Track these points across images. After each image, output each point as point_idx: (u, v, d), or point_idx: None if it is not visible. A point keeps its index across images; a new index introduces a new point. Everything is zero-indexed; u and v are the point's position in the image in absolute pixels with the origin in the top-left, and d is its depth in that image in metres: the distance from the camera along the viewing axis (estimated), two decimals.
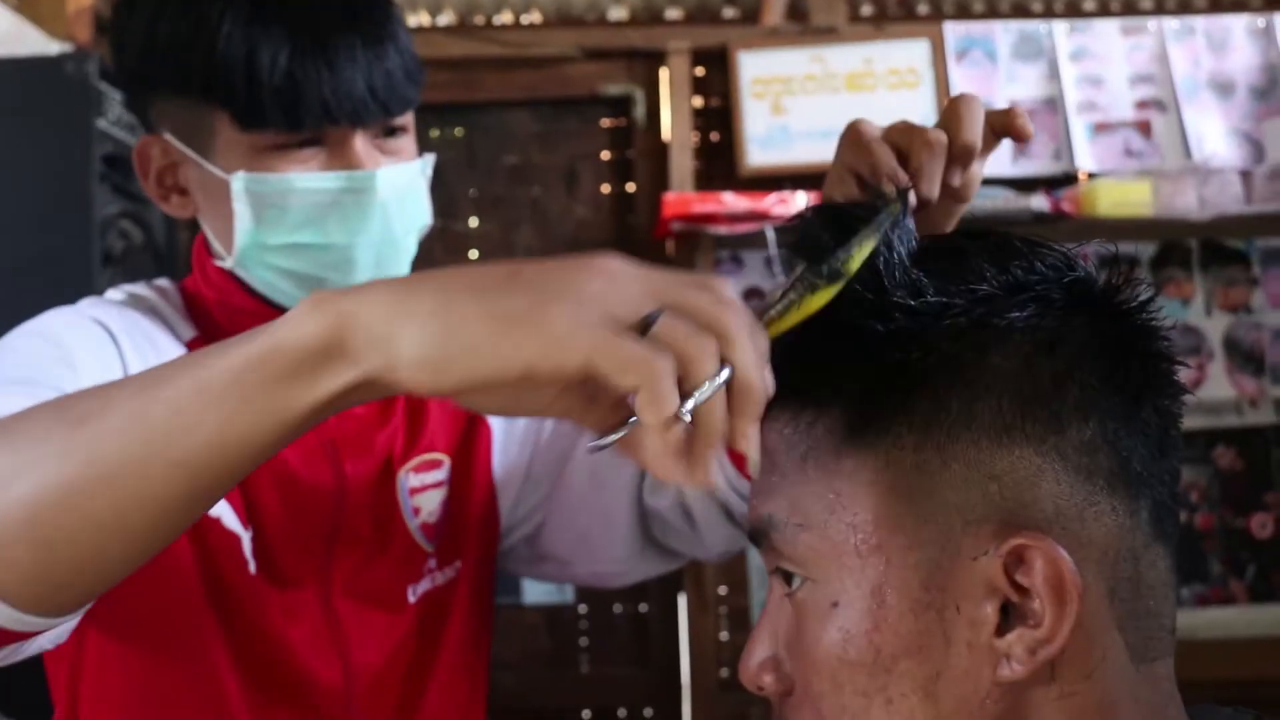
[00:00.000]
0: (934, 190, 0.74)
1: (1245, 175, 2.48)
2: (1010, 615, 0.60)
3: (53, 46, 2.07)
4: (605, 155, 2.72)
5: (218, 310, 1.00)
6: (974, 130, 0.75)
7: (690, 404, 0.53)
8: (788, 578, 0.65)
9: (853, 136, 0.75)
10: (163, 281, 1.05)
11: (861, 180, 0.72)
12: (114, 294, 1.01)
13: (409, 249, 0.99)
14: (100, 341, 0.93)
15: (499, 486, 1.11)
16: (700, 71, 2.66)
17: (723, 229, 2.35)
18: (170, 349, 0.98)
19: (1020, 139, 0.78)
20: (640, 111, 2.68)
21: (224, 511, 0.94)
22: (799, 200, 2.47)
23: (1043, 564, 0.58)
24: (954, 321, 0.60)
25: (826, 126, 2.57)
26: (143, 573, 0.88)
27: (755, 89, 2.60)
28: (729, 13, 2.87)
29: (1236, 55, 2.64)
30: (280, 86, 0.89)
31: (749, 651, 0.67)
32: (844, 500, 0.62)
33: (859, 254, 0.62)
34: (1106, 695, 0.60)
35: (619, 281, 0.55)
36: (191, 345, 0.98)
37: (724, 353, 0.54)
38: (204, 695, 0.94)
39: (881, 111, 2.59)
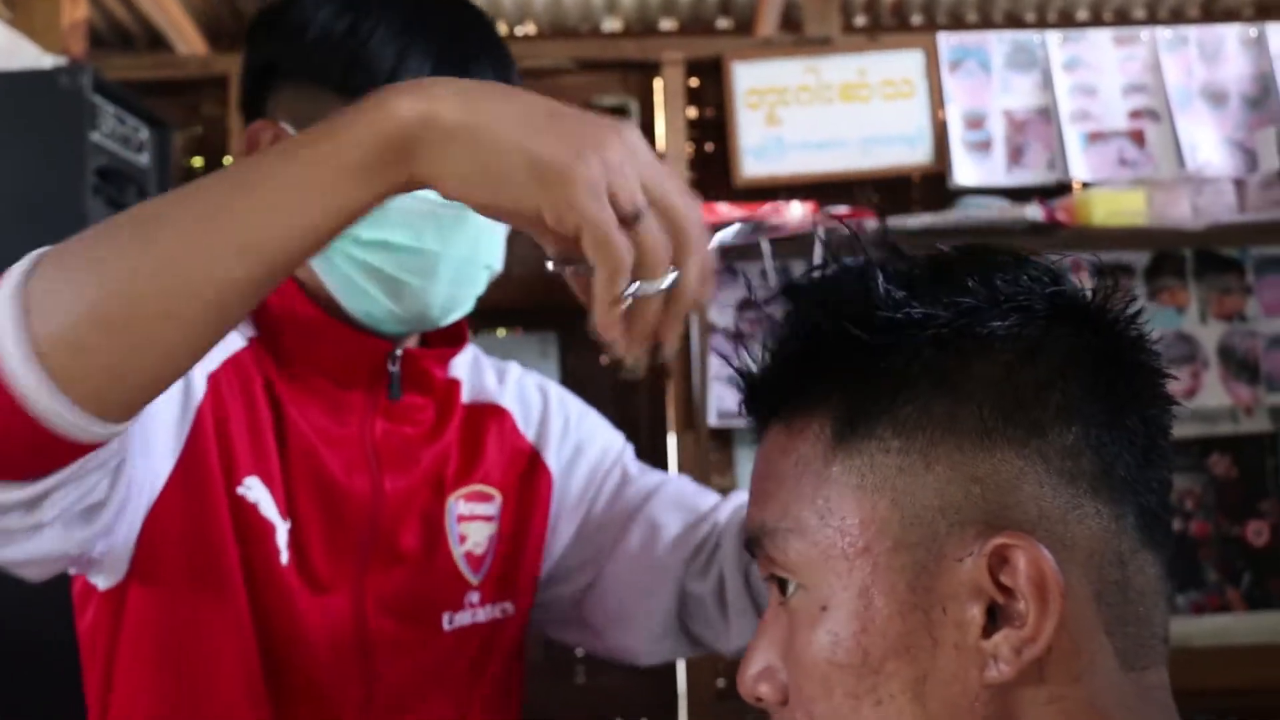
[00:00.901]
0: None
1: (1239, 184, 2.49)
2: (996, 617, 0.60)
3: (46, 60, 2.07)
4: None
5: (278, 312, 1.02)
6: None
7: (633, 289, 0.67)
8: (782, 586, 0.66)
9: None
10: None
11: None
12: None
13: (480, 283, 1.03)
14: None
15: (547, 536, 1.14)
16: (694, 82, 2.67)
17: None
18: (235, 340, 1.00)
19: None
20: (634, 123, 2.68)
21: (262, 497, 0.96)
22: (794, 210, 2.47)
23: (1025, 563, 0.59)
24: (938, 331, 0.62)
25: (821, 137, 2.58)
26: (185, 539, 0.93)
27: (750, 100, 2.60)
28: (723, 23, 2.87)
29: (1229, 65, 2.65)
30: None
31: (746, 662, 0.67)
32: (832, 505, 0.63)
33: None
34: (1095, 699, 0.61)
35: (635, 158, 0.67)
36: (251, 343, 1.00)
37: (678, 259, 0.68)
38: (234, 671, 0.95)
39: (876, 122, 2.60)
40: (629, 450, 1.20)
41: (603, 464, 1.16)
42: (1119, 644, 0.62)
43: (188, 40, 2.70)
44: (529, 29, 2.85)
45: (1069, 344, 0.63)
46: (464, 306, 1.03)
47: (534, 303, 2.61)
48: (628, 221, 0.66)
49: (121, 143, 1.97)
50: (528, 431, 1.14)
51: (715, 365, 2.41)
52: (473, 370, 1.14)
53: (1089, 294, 0.65)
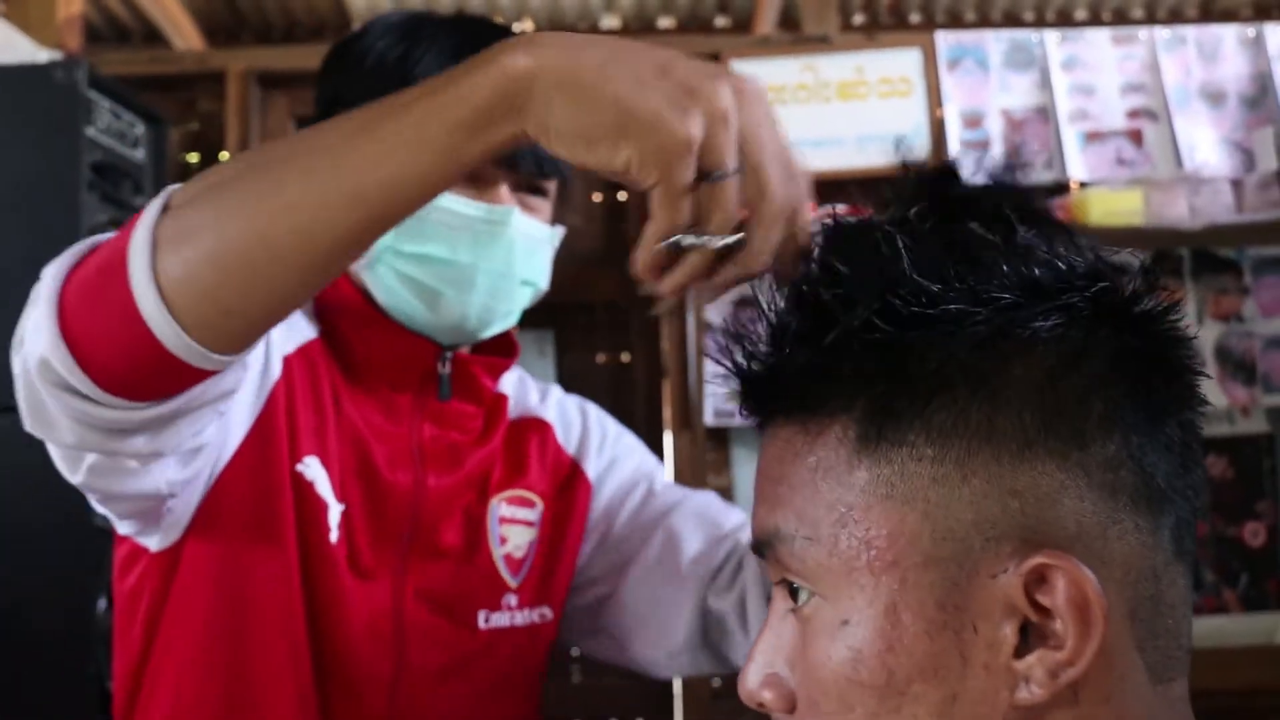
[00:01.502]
0: None
1: (1236, 184, 2.49)
2: (1029, 636, 0.58)
3: (42, 54, 2.06)
4: None
5: (340, 315, 1.08)
6: None
7: (675, 240, 0.67)
8: (793, 592, 0.63)
9: None
10: None
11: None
12: None
13: (522, 298, 1.07)
14: None
15: (583, 544, 1.17)
16: None
17: None
18: (307, 330, 1.06)
19: None
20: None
21: (319, 477, 1.01)
22: None
23: (1066, 584, 0.56)
24: (975, 330, 0.58)
25: (818, 135, 2.58)
26: (248, 507, 0.98)
27: None
28: (721, 21, 2.87)
29: (1227, 65, 2.65)
30: None
31: (748, 667, 0.65)
32: (855, 514, 0.60)
33: None
34: (1125, 717, 0.59)
35: (745, 111, 0.67)
36: (321, 336, 1.06)
37: (750, 229, 0.67)
38: (279, 639, 0.99)
39: (873, 121, 2.59)
40: (661, 471, 1.23)
41: (633, 480, 1.20)
42: (1149, 659, 0.60)
43: (184, 35, 2.69)
44: (526, 26, 2.84)
45: (1112, 346, 0.60)
46: (503, 320, 1.07)
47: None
48: (707, 176, 0.66)
49: (117, 138, 1.96)
50: (568, 445, 1.19)
51: (712, 365, 2.41)
52: (518, 388, 1.19)
53: (1131, 291, 0.61)
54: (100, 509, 0.94)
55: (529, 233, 1.04)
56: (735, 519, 1.17)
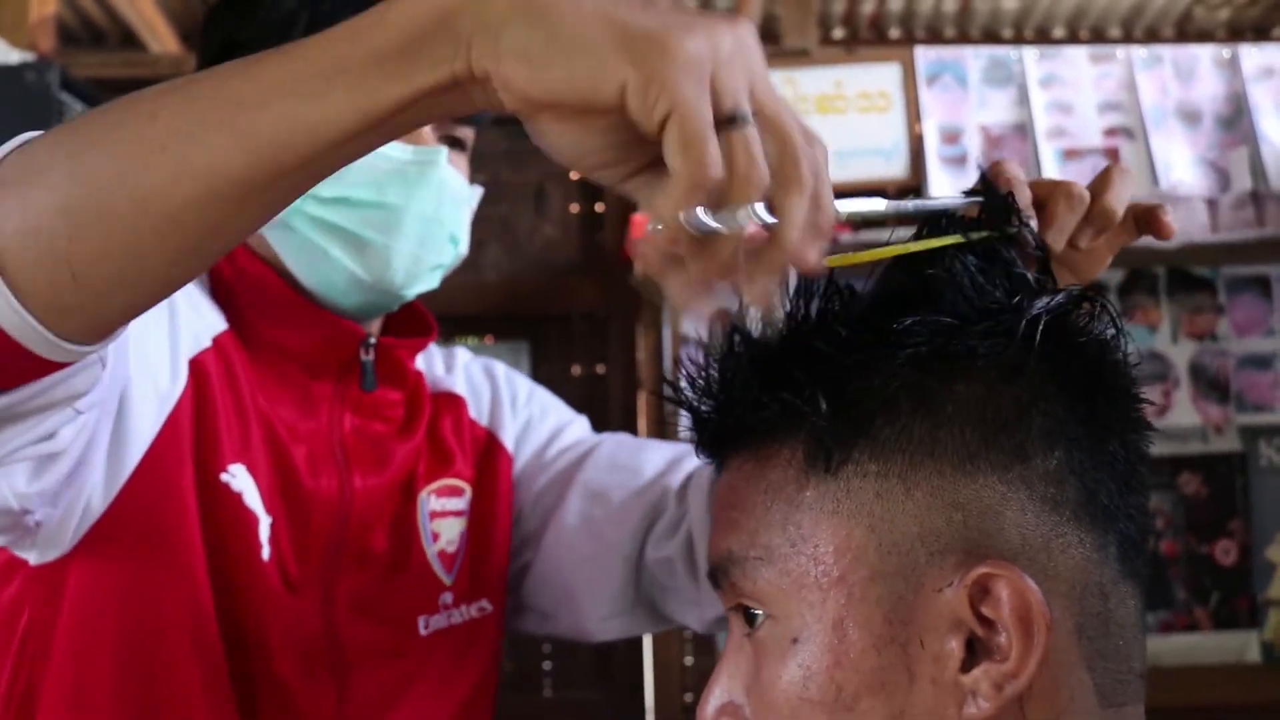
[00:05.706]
0: (1059, 242, 0.72)
1: (1211, 204, 2.50)
2: (975, 650, 0.58)
3: (13, 55, 2.04)
4: (574, 174, 2.71)
5: (246, 296, 0.98)
6: (1120, 199, 0.73)
7: (702, 220, 0.52)
8: (749, 617, 0.64)
9: (995, 172, 0.72)
10: None
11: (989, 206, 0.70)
12: None
13: (445, 253, 0.99)
14: None
15: (513, 522, 1.09)
16: None
17: None
18: (218, 322, 0.96)
19: (1162, 236, 0.74)
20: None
21: (247, 487, 0.92)
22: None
23: (1009, 594, 0.57)
24: (916, 350, 0.60)
25: None
26: (147, 526, 0.87)
27: None
28: None
29: (1203, 85, 2.66)
30: None
31: (706, 697, 0.65)
32: (805, 532, 0.61)
33: (930, 242, 0.63)
34: None
35: (748, 57, 0.53)
36: (223, 336, 0.96)
37: (779, 199, 0.53)
38: (191, 666, 0.90)
39: (851, 135, 2.59)
40: (576, 423, 1.15)
41: (549, 439, 1.12)
42: (1099, 679, 0.60)
43: (160, 38, 2.67)
44: None
45: (1051, 366, 0.61)
46: (427, 278, 0.99)
47: (506, 311, 2.61)
48: (723, 124, 0.52)
49: None
50: (480, 417, 1.10)
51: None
52: (426, 360, 1.10)
53: (1071, 318, 0.63)
54: None
55: (454, 184, 0.97)
56: (656, 458, 1.08)
